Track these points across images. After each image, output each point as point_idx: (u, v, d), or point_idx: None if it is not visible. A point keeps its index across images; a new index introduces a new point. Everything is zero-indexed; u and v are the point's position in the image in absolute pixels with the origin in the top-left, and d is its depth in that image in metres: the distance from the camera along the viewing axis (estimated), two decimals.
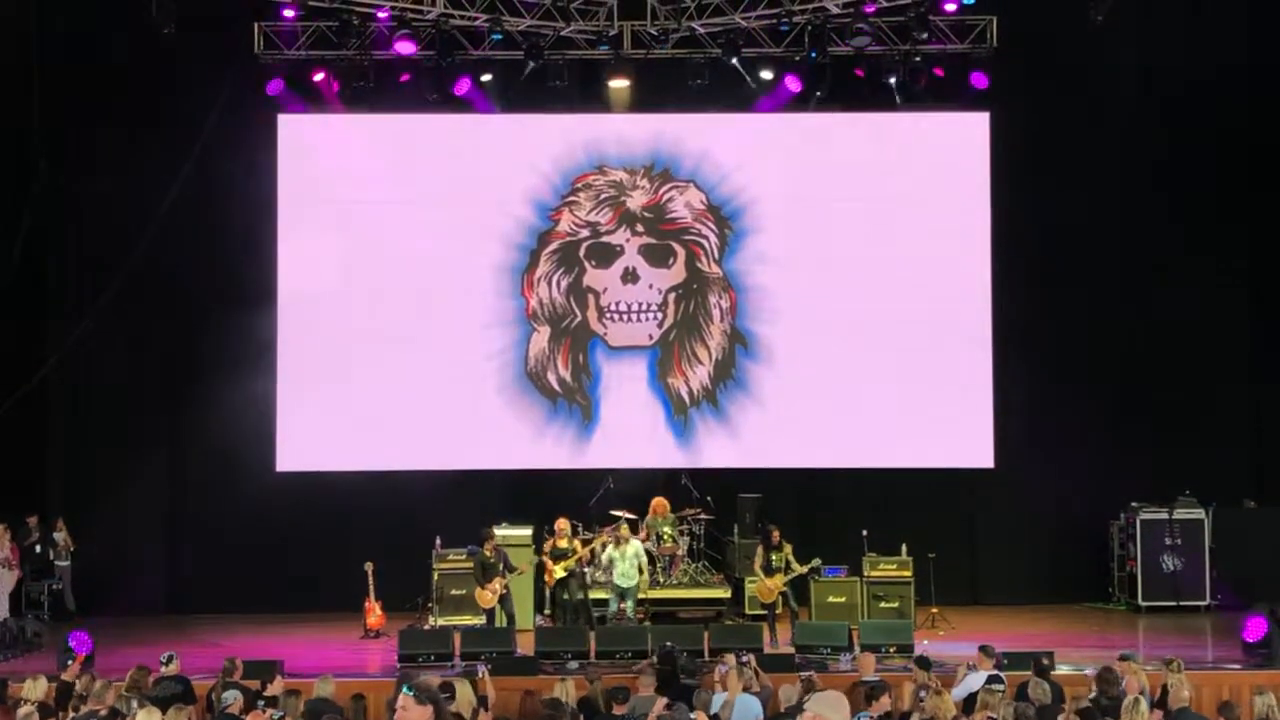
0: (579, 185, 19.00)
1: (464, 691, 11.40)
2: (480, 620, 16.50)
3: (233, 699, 11.60)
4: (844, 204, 18.82)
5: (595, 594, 17.16)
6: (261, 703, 11.83)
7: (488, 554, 16.23)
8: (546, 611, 17.82)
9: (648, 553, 17.34)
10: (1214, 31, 18.73)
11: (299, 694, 11.60)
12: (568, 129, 18.98)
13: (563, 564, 16.66)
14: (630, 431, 18.87)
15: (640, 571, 16.73)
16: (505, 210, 18.92)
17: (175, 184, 18.25)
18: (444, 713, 5.96)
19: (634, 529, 17.86)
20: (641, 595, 17.23)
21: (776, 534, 16.54)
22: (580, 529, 17.59)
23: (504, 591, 16.19)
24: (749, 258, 18.97)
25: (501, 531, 17.06)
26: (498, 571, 16.17)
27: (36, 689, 11.67)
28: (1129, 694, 11.37)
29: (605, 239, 19.00)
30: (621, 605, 16.73)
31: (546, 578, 16.89)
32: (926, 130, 18.89)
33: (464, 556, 17.19)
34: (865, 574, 17.34)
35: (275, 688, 12.22)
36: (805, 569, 16.53)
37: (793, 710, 11.00)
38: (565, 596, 16.74)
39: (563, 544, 16.79)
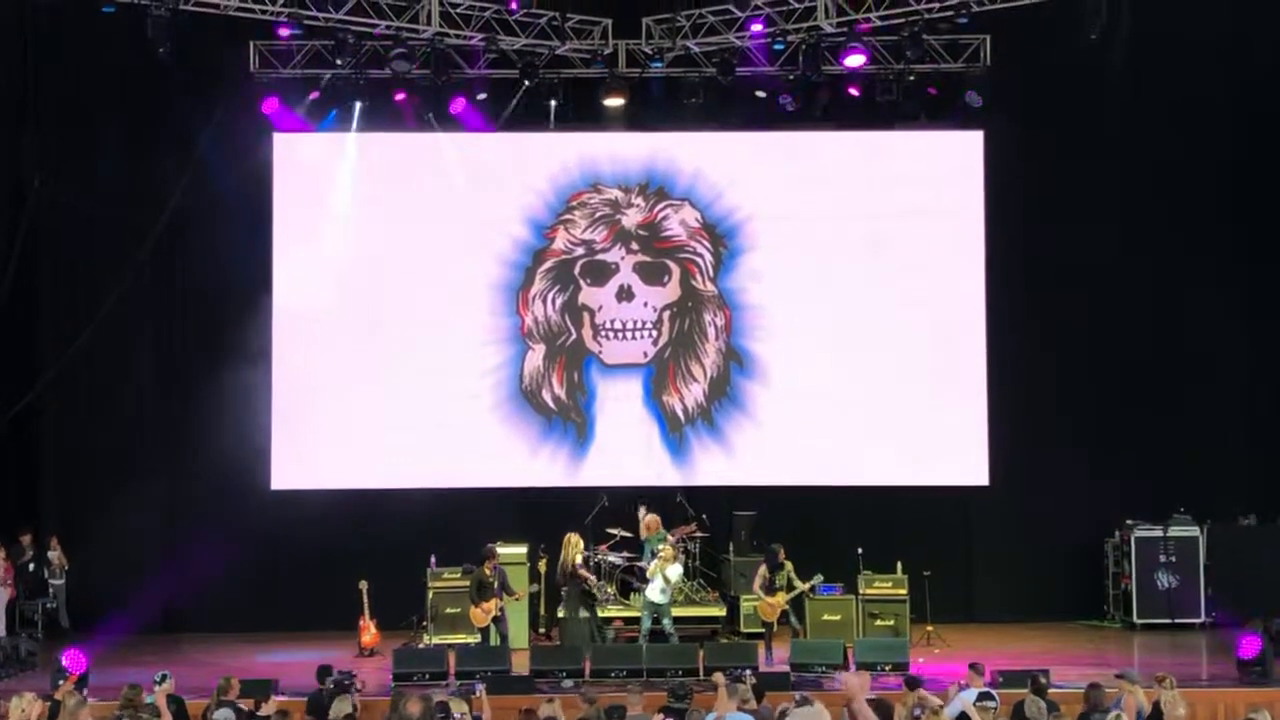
0: (574, 203, 19.04)
1: (459, 707, 11.38)
2: (475, 638, 16.46)
3: (225, 718, 11.57)
4: (838, 222, 18.87)
5: (624, 612, 17.38)
6: None
7: (486, 572, 16.14)
8: (541, 630, 17.84)
9: (641, 568, 17.37)
10: (1207, 48, 18.80)
11: (289, 714, 11.55)
12: (562, 147, 19.03)
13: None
14: (625, 449, 18.89)
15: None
16: (500, 228, 18.96)
17: (171, 201, 18.28)
18: None
19: (631, 546, 17.87)
20: (632, 614, 17.27)
21: (781, 553, 16.53)
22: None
23: (499, 613, 16.14)
24: (744, 276, 19.01)
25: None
26: (494, 592, 16.11)
27: (22, 705, 11.58)
28: (1126, 712, 11.35)
29: (600, 257, 19.03)
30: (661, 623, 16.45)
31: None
32: (920, 149, 18.95)
33: (459, 575, 17.17)
34: (860, 592, 17.31)
35: (269, 707, 12.19)
36: (807, 586, 16.54)
37: None
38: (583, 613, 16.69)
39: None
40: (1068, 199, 19.04)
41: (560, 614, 17.04)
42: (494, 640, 16.11)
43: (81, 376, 18.90)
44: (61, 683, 13.56)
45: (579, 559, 16.69)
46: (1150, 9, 17.58)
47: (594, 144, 19.03)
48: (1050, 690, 12.60)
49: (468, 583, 16.53)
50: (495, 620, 16.11)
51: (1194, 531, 18.51)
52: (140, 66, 17.89)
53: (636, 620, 17.02)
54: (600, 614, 17.44)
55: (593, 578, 17.02)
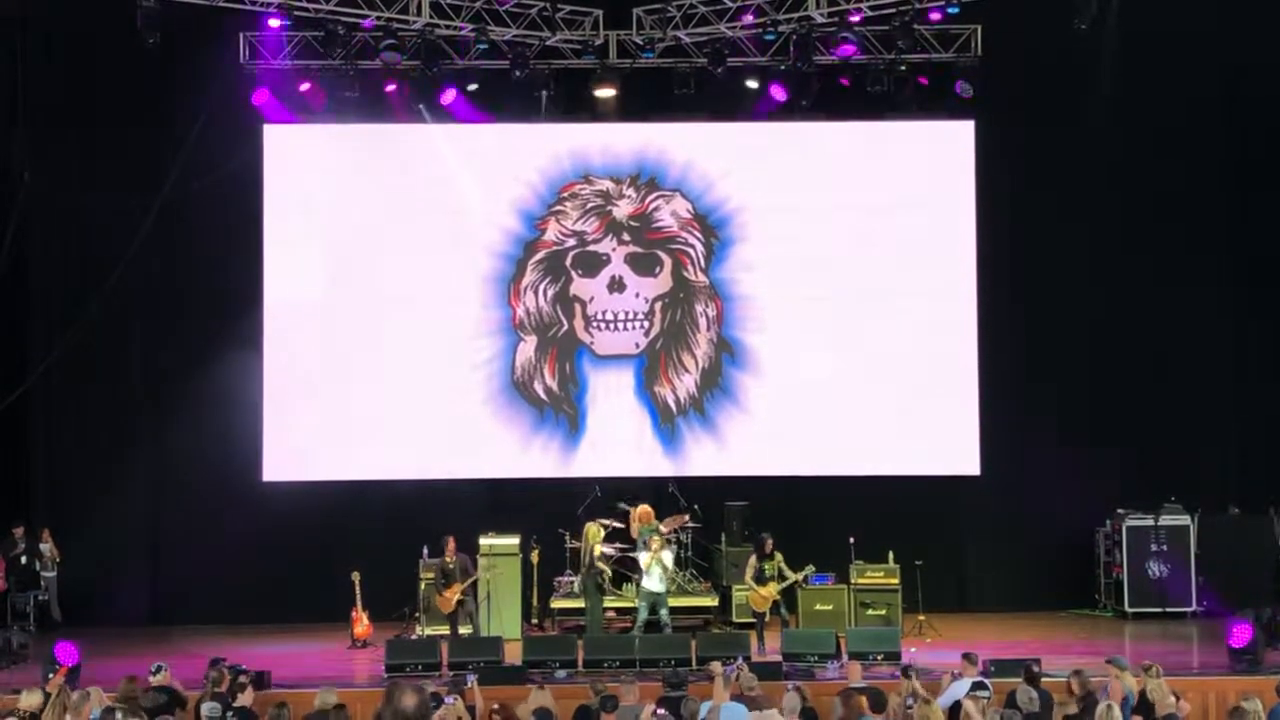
0: (565, 195, 19.01)
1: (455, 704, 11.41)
2: (466, 630, 16.56)
3: (212, 711, 11.58)
4: (830, 212, 18.86)
5: (617, 603, 17.45)
6: (230, 715, 11.76)
7: (448, 560, 16.47)
8: (534, 621, 17.87)
9: (632, 559, 17.39)
10: (1196, 35, 18.80)
11: (286, 705, 11.55)
12: (553, 138, 19.00)
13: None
14: (617, 440, 18.88)
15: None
16: (491, 220, 18.94)
17: (160, 193, 18.23)
18: None
19: (623, 537, 17.88)
20: (625, 604, 17.29)
21: (769, 543, 16.56)
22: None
23: (463, 597, 16.32)
24: (735, 266, 19.00)
25: (488, 541, 17.22)
26: (455, 578, 16.37)
27: (31, 700, 11.60)
28: (1113, 698, 11.38)
29: (592, 248, 19.01)
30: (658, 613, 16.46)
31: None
32: (911, 139, 18.93)
33: None
34: (852, 582, 17.34)
35: (245, 698, 12.12)
36: (798, 576, 16.56)
37: None
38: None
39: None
40: (1058, 189, 19.04)
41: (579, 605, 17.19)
42: (464, 628, 16.35)
43: (73, 369, 18.85)
44: (52, 675, 13.55)
45: (598, 551, 16.82)
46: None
47: (585, 135, 18.99)
48: (1042, 679, 12.63)
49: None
50: (460, 603, 16.29)
51: (1184, 520, 18.54)
52: (129, 58, 17.85)
53: (629, 611, 17.06)
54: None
55: (608, 570, 17.12)
